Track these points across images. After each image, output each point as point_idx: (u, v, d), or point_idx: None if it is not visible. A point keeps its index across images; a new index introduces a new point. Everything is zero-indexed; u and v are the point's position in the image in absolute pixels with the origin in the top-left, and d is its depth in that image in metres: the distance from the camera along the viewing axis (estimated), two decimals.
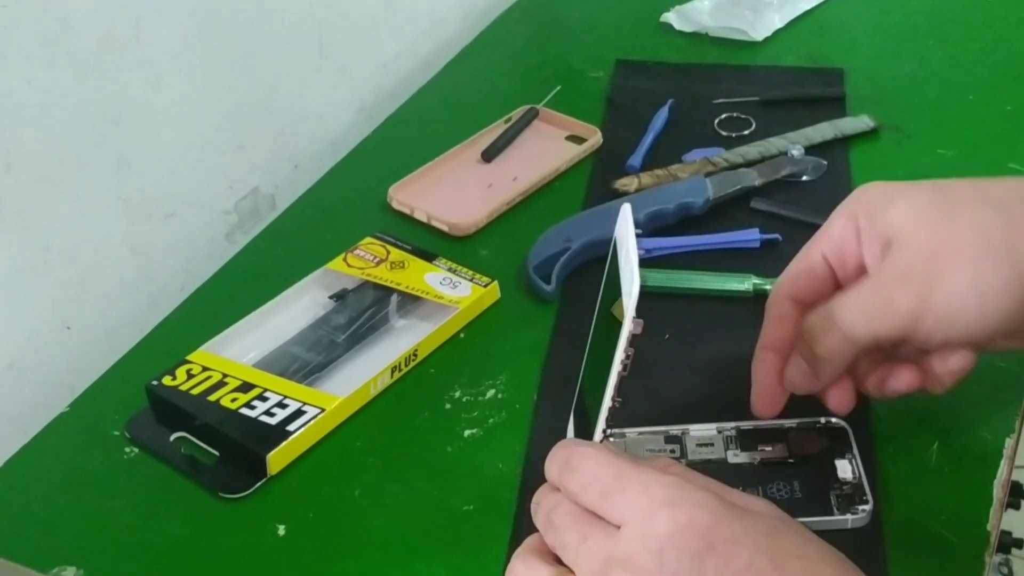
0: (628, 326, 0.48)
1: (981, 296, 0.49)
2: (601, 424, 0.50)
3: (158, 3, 0.75)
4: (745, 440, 0.60)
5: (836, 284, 0.57)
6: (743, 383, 0.60)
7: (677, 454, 0.59)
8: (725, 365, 0.65)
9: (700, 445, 0.60)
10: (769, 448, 0.59)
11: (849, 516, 0.55)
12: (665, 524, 0.42)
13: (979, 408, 0.62)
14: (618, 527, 0.44)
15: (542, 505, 0.47)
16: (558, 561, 0.46)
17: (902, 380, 0.56)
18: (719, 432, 0.60)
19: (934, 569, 0.54)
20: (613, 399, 0.50)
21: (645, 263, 0.50)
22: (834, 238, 0.55)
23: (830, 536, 0.45)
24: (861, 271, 0.55)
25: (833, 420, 0.60)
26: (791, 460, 0.58)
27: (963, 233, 0.50)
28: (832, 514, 0.55)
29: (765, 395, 0.58)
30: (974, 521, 0.56)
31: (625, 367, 0.49)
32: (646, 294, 0.48)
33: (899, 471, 0.59)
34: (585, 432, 0.55)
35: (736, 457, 0.59)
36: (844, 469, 0.57)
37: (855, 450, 0.58)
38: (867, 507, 0.55)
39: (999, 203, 0.50)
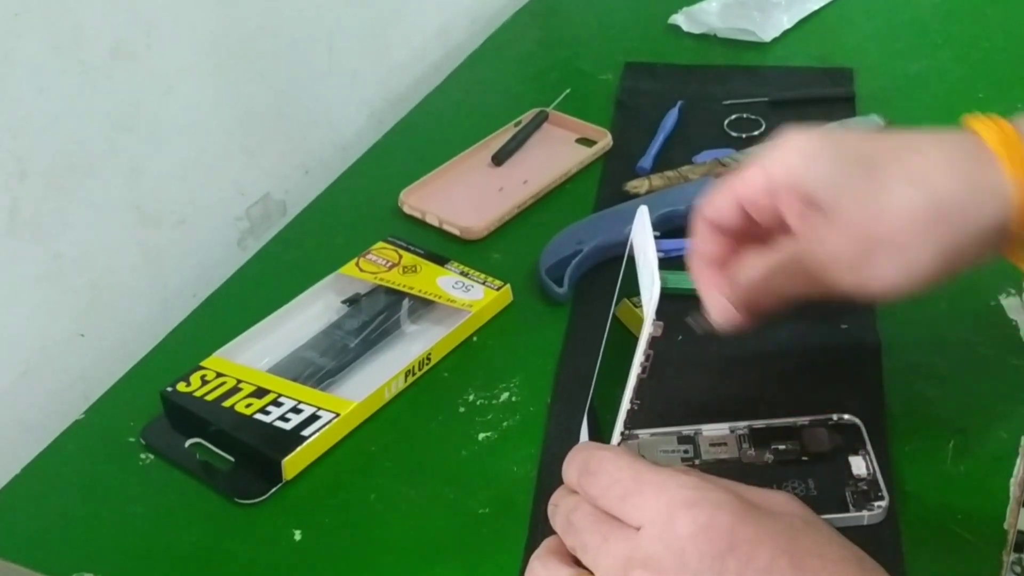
0: (648, 328, 0.48)
1: (911, 279, 0.53)
2: (619, 427, 0.50)
3: (169, 11, 0.76)
4: (758, 438, 0.60)
5: (751, 220, 0.57)
6: (755, 383, 0.60)
7: (690, 454, 0.59)
8: (736, 365, 0.65)
9: (713, 445, 0.60)
10: (783, 446, 0.59)
11: (865, 512, 0.55)
12: (686, 525, 0.42)
13: (995, 406, 0.62)
14: (638, 529, 0.44)
15: (561, 507, 0.47)
16: (577, 563, 0.46)
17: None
18: (732, 431, 0.60)
19: (951, 567, 0.54)
20: (632, 401, 0.50)
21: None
22: (749, 192, 0.56)
23: (847, 533, 0.45)
24: (777, 216, 0.56)
25: (845, 417, 0.60)
26: (805, 458, 0.58)
27: (893, 220, 0.52)
28: (848, 511, 0.55)
29: (720, 307, 0.58)
30: (991, 520, 0.56)
31: (644, 369, 0.49)
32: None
33: (915, 470, 0.59)
34: (598, 434, 0.55)
35: (750, 456, 0.59)
36: (858, 466, 0.57)
37: (868, 447, 0.58)
38: (883, 503, 0.55)
39: (923, 181, 0.52)
